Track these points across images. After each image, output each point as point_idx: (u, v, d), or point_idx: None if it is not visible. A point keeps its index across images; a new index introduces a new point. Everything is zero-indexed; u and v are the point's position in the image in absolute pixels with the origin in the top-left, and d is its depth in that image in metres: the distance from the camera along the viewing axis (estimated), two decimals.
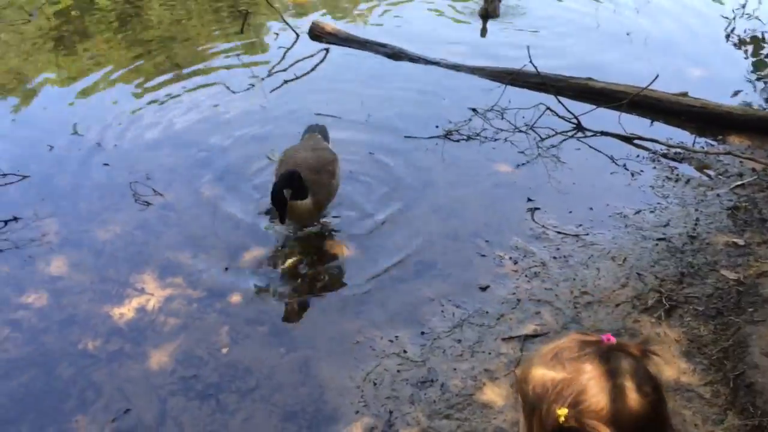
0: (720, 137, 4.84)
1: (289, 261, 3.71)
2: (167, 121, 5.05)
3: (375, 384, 3.02)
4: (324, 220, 4.02)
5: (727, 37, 6.73)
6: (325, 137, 4.24)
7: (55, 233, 3.91)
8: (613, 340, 1.27)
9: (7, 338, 3.28)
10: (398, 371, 3.07)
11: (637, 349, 1.26)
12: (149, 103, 5.33)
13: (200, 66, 5.98)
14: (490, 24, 6.74)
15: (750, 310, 3.06)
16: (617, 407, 1.20)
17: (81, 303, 3.47)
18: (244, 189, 4.30)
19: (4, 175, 4.34)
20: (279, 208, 3.56)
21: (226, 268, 3.68)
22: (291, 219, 3.75)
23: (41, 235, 3.88)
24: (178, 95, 5.44)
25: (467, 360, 3.11)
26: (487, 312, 3.38)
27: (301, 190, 3.60)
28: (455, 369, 3.07)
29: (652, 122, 5.07)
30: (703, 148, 4.72)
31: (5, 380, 3.08)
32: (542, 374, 1.27)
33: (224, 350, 3.18)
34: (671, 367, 2.91)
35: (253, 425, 2.87)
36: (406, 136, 4.84)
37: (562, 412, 1.20)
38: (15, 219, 3.98)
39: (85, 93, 5.54)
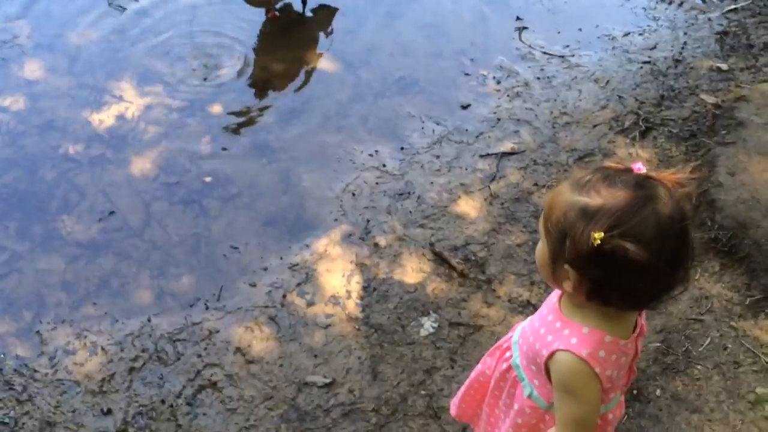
0: None
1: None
2: None
3: (354, 195, 3.11)
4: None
5: None
6: None
7: (27, 36, 3.77)
8: (643, 169, 1.29)
9: None
10: (377, 183, 3.15)
11: (670, 181, 1.28)
12: None
13: None
14: None
15: (723, 132, 3.11)
16: (652, 230, 1.23)
17: (59, 108, 3.44)
18: None
19: None
20: None
21: (205, 78, 3.63)
22: (248, 2, 3.94)
23: (12, 37, 3.74)
24: None
25: (444, 174, 3.19)
26: (466, 129, 3.41)
27: None
28: (432, 182, 3.15)
29: None
30: None
31: None
32: (575, 200, 1.28)
33: (207, 179, 3.17)
34: None
35: (236, 229, 2.99)
36: None
37: (598, 235, 1.22)
38: None
39: None
